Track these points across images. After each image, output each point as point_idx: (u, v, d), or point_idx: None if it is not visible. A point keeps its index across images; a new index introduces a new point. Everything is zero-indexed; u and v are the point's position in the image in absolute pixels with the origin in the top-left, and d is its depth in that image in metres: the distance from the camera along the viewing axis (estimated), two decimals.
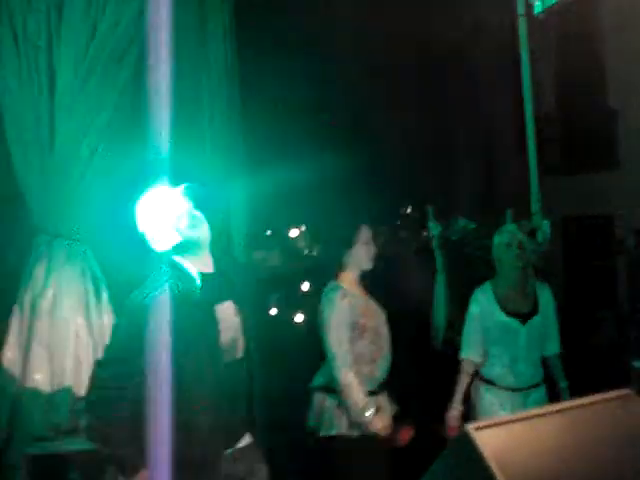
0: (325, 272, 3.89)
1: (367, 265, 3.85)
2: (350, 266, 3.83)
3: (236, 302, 2.94)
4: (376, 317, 3.86)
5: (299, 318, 9.55)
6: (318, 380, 3.81)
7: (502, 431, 2.09)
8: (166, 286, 2.74)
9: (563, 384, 4.07)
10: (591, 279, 8.79)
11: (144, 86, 4.24)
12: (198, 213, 2.91)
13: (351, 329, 3.67)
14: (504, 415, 3.60)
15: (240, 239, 4.49)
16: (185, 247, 2.84)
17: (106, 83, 4.05)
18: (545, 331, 4.05)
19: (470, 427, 2.04)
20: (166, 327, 2.66)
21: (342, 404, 3.63)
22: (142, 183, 2.88)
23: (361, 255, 3.82)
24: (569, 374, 4.15)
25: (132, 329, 2.68)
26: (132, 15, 4.06)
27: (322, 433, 3.71)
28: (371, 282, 3.94)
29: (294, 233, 11.39)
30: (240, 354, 2.91)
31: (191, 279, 2.80)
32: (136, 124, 4.28)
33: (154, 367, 2.66)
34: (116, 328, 2.81)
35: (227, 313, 2.88)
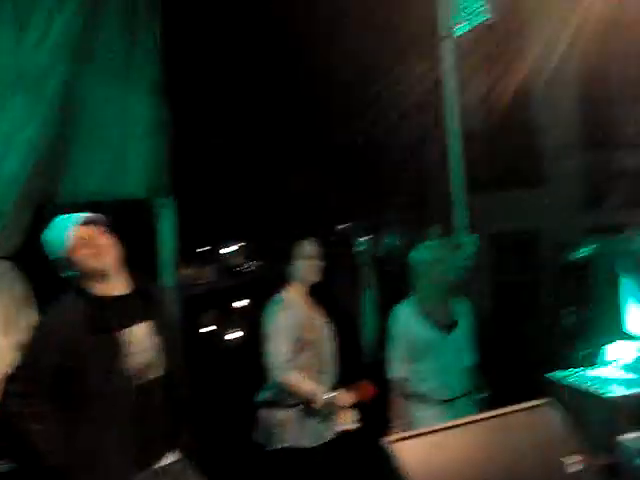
0: (268, 286, 3.94)
1: (311, 279, 3.91)
2: (295, 280, 3.89)
3: (155, 322, 2.92)
4: (320, 331, 3.92)
5: (240, 333, 9.45)
6: (263, 395, 3.83)
7: (421, 442, 2.14)
8: (73, 310, 2.74)
9: (481, 395, 4.13)
10: (517, 293, 9.01)
11: (74, 98, 4.22)
12: (106, 237, 2.87)
13: (293, 342, 3.72)
14: None
15: (168, 256, 4.46)
16: (90, 273, 2.81)
17: (33, 97, 3.98)
18: (465, 343, 4.15)
19: (389, 439, 2.09)
20: (69, 350, 2.66)
21: (288, 416, 3.69)
22: (64, 202, 2.86)
23: (303, 269, 3.88)
24: (493, 385, 4.25)
25: (39, 349, 2.68)
26: (60, 27, 4.02)
27: (271, 447, 3.74)
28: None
29: (232, 248, 11.30)
30: (159, 373, 2.88)
31: (95, 304, 2.79)
32: (64, 138, 4.25)
33: (60, 388, 2.67)
34: (27, 345, 2.77)
35: (140, 334, 2.83)
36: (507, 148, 9.56)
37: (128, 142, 4.40)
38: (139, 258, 3.02)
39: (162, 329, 2.91)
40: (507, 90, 9.35)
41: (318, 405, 3.66)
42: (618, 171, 10.00)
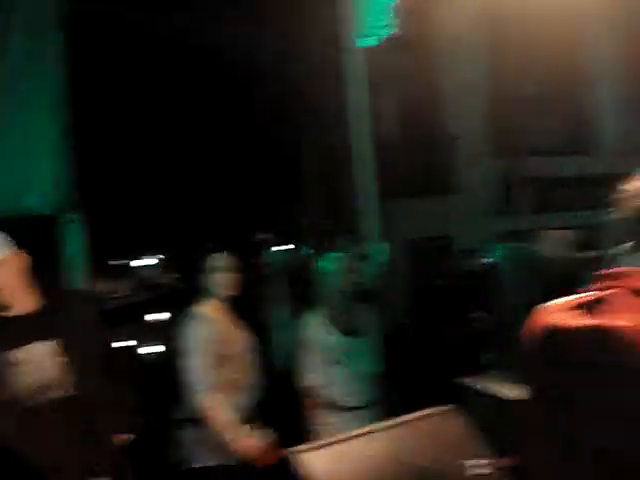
0: (184, 300, 3.87)
1: (228, 292, 3.86)
2: (211, 293, 3.83)
3: (62, 340, 2.79)
4: (241, 344, 3.86)
5: (157, 347, 9.26)
6: (180, 412, 3.77)
7: (326, 452, 2.17)
8: None
9: (390, 400, 4.15)
10: (432, 299, 9.21)
11: None
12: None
13: (213, 356, 3.66)
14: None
15: (76, 271, 4.37)
16: None
17: None
18: (372, 351, 4.21)
19: (294, 450, 2.11)
20: None
21: (206, 433, 3.61)
22: None
23: (218, 283, 3.83)
24: (405, 391, 4.32)
25: None
26: None
27: (187, 466, 3.67)
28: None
29: (147, 261, 11.11)
30: (62, 393, 2.76)
31: None
32: None
33: None
34: None
35: (37, 353, 2.73)
36: (420, 157, 9.76)
37: (31, 160, 4.31)
38: (47, 273, 2.94)
39: (71, 347, 2.80)
40: (419, 100, 9.57)
41: (227, 441, 3.57)
42: (526, 179, 10.35)
